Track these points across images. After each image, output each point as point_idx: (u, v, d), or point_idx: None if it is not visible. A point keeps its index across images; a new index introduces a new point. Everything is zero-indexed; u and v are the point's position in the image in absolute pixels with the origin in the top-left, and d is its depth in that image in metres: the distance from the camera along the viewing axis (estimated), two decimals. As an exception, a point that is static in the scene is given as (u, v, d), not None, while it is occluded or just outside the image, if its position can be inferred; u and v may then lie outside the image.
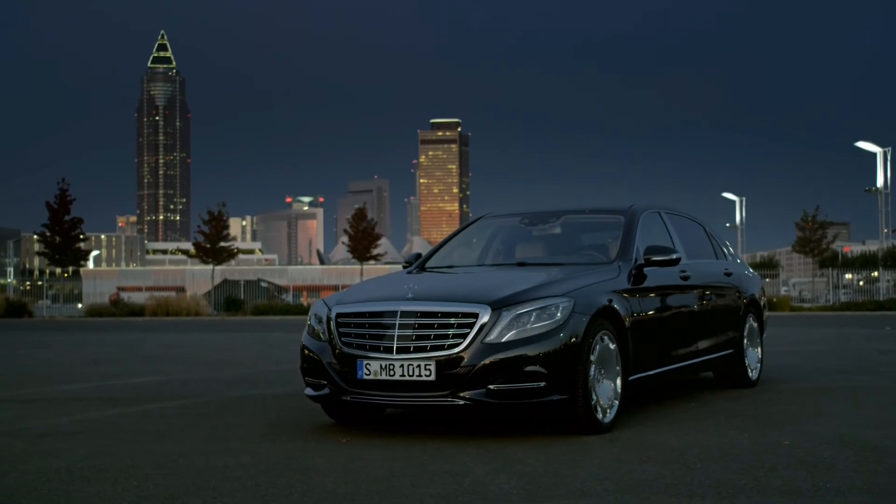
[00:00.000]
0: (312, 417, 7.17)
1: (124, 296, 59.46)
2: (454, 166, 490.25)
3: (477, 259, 8.09)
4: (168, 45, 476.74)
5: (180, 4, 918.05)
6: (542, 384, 5.93)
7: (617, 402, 6.46)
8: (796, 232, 59.07)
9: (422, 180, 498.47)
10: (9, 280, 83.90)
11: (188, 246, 65.82)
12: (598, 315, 6.27)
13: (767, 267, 59.86)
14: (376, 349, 6.07)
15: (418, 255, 8.06)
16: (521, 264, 7.34)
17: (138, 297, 54.66)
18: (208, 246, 55.56)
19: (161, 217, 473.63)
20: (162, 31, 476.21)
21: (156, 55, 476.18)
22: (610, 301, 6.49)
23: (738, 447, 5.71)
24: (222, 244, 55.87)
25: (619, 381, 6.48)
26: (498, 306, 6.01)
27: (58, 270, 57.19)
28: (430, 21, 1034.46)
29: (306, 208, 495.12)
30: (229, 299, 47.95)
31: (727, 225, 69.01)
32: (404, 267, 7.96)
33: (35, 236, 56.43)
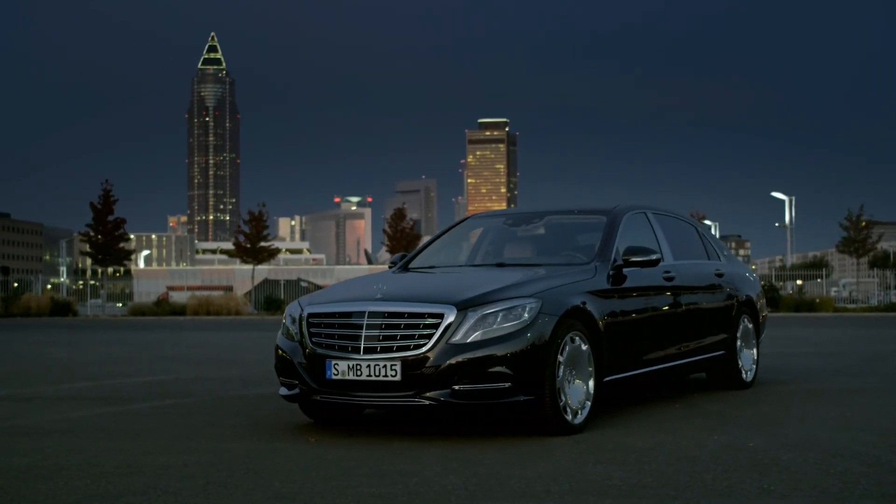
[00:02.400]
0: (291, 417, 7.22)
1: (173, 295, 60.09)
2: (502, 166, 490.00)
3: (461, 259, 8.12)
4: (218, 47, 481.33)
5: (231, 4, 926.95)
6: (507, 385, 5.94)
7: (589, 404, 6.43)
8: (840, 232, 58.30)
9: (469, 180, 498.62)
10: (62, 279, 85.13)
11: (230, 246, 66.41)
12: (567, 316, 6.25)
13: (815, 267, 59.18)
14: (345, 349, 6.11)
15: (403, 256, 8.11)
16: (500, 265, 7.35)
17: (183, 297, 55.15)
18: (249, 246, 56.08)
19: (211, 217, 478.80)
20: (212, 33, 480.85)
21: (206, 56, 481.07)
22: (583, 302, 6.47)
23: (701, 449, 5.67)
24: (262, 244, 56.34)
25: (591, 383, 6.46)
26: (464, 307, 6.03)
27: (109, 270, 57.97)
28: (468, 20, 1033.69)
29: (354, 208, 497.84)
30: (269, 299, 48.33)
31: (776, 224, 68.34)
32: (390, 267, 8.01)
33: (79, 235, 57.31)
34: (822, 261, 78.50)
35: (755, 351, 9.00)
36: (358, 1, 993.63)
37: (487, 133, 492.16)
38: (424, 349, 5.93)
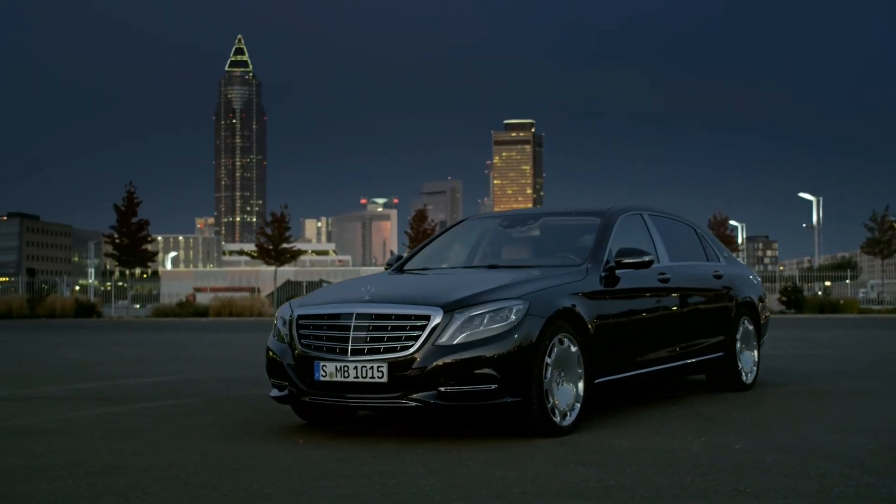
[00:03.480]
0: (285, 418, 7.25)
1: (199, 296, 60.39)
2: (528, 167, 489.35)
3: (456, 261, 8.13)
4: (245, 50, 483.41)
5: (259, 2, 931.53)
6: (494, 387, 5.94)
7: (579, 405, 6.43)
8: (866, 233, 57.88)
9: (495, 181, 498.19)
10: (90, 281, 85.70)
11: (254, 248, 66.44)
12: (555, 317, 6.25)
13: (840, 268, 58.82)
14: (332, 351, 6.14)
15: (399, 258, 8.13)
16: (492, 266, 7.36)
17: (208, 298, 55.40)
18: (271, 247, 56.30)
19: (238, 219, 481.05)
20: (239, 36, 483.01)
21: (233, 59, 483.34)
22: (573, 304, 6.47)
23: (686, 451, 5.66)
24: (285, 245, 56.55)
25: (581, 385, 6.46)
26: (450, 308, 6.04)
27: (137, 271, 58.31)
28: (477, 20, 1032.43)
29: (380, 209, 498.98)
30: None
31: (804, 225, 68.02)
32: (386, 268, 8.04)
33: (104, 237, 57.73)
34: (850, 262, 77.88)
35: (756, 353, 8.96)
36: (380, 3, 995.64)
37: (513, 134, 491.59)
38: (411, 351, 5.94)
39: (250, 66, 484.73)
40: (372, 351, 6.02)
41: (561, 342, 6.31)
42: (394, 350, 5.98)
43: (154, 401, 8.53)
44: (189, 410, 7.83)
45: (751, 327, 8.88)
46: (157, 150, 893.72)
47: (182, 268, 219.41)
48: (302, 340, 6.32)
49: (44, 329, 29.67)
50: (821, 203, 66.35)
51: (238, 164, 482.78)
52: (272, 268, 58.89)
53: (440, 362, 5.91)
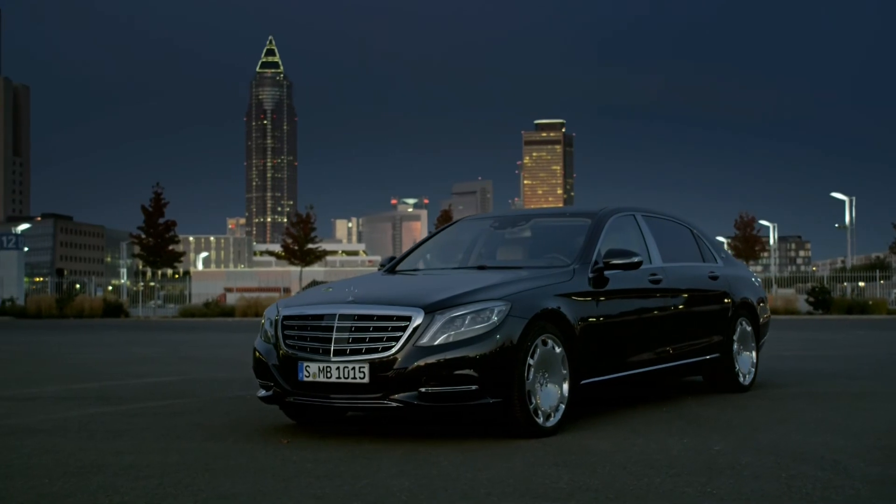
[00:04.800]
0: (275, 418, 7.28)
1: (230, 296, 60.67)
2: (558, 167, 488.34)
3: (449, 262, 8.13)
4: (276, 50, 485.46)
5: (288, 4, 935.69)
6: (474, 387, 5.95)
7: (563, 407, 6.43)
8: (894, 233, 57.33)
9: (525, 181, 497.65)
10: (122, 281, 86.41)
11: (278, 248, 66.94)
12: (538, 318, 6.25)
13: (873, 269, 58.31)
14: (316, 351, 6.18)
15: (392, 258, 8.15)
16: (481, 267, 7.37)
17: (236, 299, 55.63)
18: (296, 248, 56.49)
19: (269, 219, 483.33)
20: (270, 37, 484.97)
21: (264, 60, 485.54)
22: (557, 305, 6.46)
23: (664, 452, 5.65)
24: (310, 246, 56.72)
25: (566, 386, 6.45)
26: (431, 309, 6.06)
27: (169, 272, 58.77)
28: (522, 19, 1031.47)
29: (411, 210, 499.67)
30: (315, 300, 48.56)
31: (836, 225, 67.53)
32: (379, 269, 8.07)
33: (131, 238, 58.18)
34: (883, 262, 77.18)
35: (754, 354, 8.90)
36: (412, 4, 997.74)
37: (543, 134, 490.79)
38: (392, 351, 5.97)
39: (281, 67, 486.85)
40: (354, 352, 6.05)
41: (544, 343, 6.30)
42: (375, 351, 6.00)
43: (150, 401, 8.59)
44: (181, 411, 7.88)
45: (749, 328, 8.83)
46: (190, 151, 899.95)
47: (213, 268, 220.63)
48: (287, 341, 6.36)
49: (69, 329, 29.92)
50: (853, 203, 65.84)
51: (269, 164, 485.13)
52: (306, 268, 59.07)
53: (421, 363, 5.92)
